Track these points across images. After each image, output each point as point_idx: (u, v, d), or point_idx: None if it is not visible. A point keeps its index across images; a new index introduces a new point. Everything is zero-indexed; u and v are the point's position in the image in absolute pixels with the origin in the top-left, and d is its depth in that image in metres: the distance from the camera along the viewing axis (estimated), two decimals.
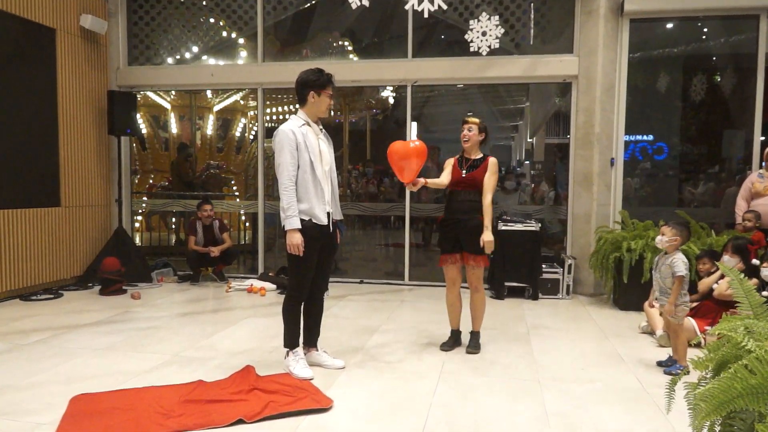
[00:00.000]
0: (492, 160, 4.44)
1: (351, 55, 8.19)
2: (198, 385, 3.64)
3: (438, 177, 4.53)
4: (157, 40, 7.85)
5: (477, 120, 4.45)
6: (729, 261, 4.70)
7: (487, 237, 4.27)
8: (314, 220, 3.80)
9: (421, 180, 4.25)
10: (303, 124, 3.82)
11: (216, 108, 10.09)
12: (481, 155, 4.47)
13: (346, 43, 8.19)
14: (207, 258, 7.21)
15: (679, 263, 3.98)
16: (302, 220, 3.77)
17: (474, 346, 4.49)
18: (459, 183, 4.41)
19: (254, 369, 3.89)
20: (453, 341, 4.57)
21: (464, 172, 4.40)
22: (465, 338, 4.65)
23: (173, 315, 5.64)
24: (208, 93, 9.80)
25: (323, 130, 3.99)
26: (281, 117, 10.67)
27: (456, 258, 4.44)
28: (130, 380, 3.76)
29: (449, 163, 4.53)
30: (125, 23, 7.77)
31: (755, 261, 4.62)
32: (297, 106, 3.94)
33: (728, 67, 6.97)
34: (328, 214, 3.89)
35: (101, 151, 7.57)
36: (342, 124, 10.19)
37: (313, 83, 3.84)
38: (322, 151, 3.88)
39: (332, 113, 9.91)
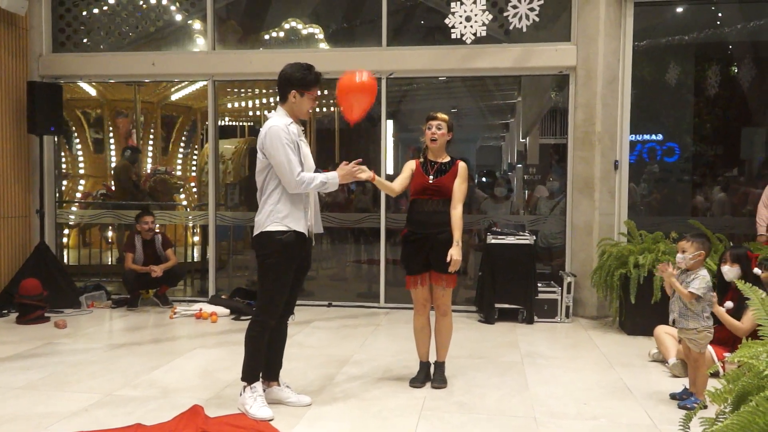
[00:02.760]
0: (462, 165, 4.47)
1: (318, 44, 8.19)
2: (136, 429, 3.58)
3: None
4: (88, 22, 7.76)
5: (446, 116, 4.47)
6: (729, 271, 4.79)
7: (456, 254, 4.26)
8: (296, 230, 3.85)
9: (370, 173, 4.13)
10: (291, 123, 3.90)
11: (162, 103, 10.01)
12: (448, 158, 4.50)
13: (313, 30, 8.19)
14: (147, 279, 7.12)
15: (699, 280, 4.04)
16: (283, 232, 3.82)
17: (440, 380, 4.50)
18: (425, 191, 4.40)
19: (203, 409, 3.84)
20: (424, 375, 4.55)
21: (431, 177, 4.42)
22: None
23: (106, 346, 5.55)
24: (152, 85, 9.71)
25: (304, 131, 4.04)
26: (238, 115, 10.60)
27: (425, 278, 4.45)
28: (53, 425, 3.69)
29: (409, 167, 4.51)
30: (49, 3, 7.66)
31: (757, 270, 4.72)
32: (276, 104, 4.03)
33: (746, 57, 7.12)
34: (309, 226, 3.98)
35: (19, 153, 7.44)
36: (307, 121, 10.18)
37: (297, 82, 3.90)
38: (305, 154, 3.95)
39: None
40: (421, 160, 4.52)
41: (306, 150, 3.98)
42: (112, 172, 9.65)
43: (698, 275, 4.08)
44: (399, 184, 4.49)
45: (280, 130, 3.79)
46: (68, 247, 8.87)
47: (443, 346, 4.59)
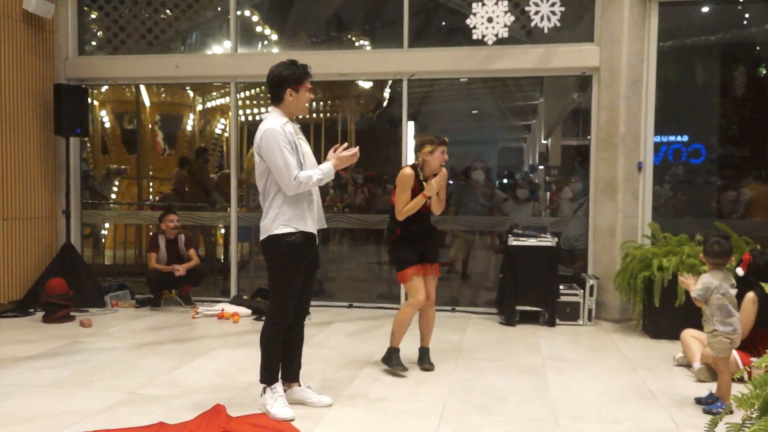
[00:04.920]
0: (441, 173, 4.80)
1: (340, 45, 8.22)
2: (159, 427, 3.60)
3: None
4: (112, 25, 7.84)
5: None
6: (738, 270, 4.76)
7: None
8: (304, 230, 3.86)
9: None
10: (287, 122, 3.88)
11: (200, 107, 10.17)
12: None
13: (334, 31, 8.23)
14: (171, 278, 7.18)
15: (698, 283, 4.06)
16: (291, 233, 3.82)
17: (430, 362, 4.92)
18: (424, 205, 4.74)
19: (225, 408, 3.86)
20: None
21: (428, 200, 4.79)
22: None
23: (130, 346, 5.60)
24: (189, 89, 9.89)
25: (301, 129, 4.04)
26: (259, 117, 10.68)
27: (425, 269, 4.83)
28: (77, 423, 3.72)
29: (412, 179, 4.71)
30: (75, 6, 7.76)
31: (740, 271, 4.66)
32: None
33: None
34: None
35: (46, 155, 7.54)
36: (335, 123, 10.23)
37: (288, 79, 3.89)
38: (305, 152, 3.93)
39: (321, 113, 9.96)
40: (416, 176, 4.74)
41: (306, 147, 3.96)
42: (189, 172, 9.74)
43: (702, 276, 4.08)
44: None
45: (277, 132, 3.77)
46: (126, 246, 9.02)
47: (430, 333, 5.01)
